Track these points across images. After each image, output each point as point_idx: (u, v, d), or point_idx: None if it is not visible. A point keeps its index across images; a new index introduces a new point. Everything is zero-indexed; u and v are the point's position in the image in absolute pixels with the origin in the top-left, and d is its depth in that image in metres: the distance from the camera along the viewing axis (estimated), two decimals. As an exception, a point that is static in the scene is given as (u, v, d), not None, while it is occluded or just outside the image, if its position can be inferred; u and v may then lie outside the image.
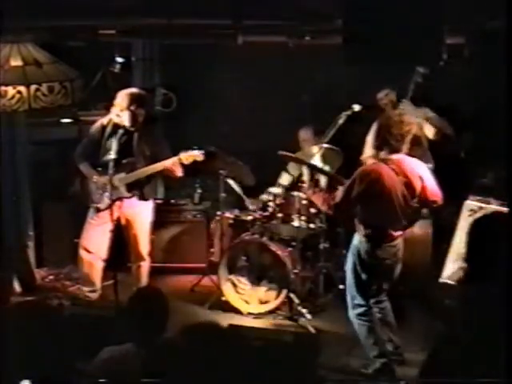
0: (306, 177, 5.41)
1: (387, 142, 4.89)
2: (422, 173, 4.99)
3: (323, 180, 6.07)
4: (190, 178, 7.18)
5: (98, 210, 6.05)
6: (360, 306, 5.12)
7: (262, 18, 5.68)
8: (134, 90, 6.09)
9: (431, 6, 4.70)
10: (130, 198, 6.07)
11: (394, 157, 4.92)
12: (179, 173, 6.02)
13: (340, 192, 4.96)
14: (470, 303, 3.68)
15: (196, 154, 5.93)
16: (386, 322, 5.24)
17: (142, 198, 6.11)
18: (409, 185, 4.90)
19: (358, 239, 5.04)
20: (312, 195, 5.28)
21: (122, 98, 5.93)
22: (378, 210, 4.91)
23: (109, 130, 5.96)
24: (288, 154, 5.81)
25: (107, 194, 5.86)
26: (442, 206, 5.16)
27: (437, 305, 5.71)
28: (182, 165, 5.98)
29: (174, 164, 5.93)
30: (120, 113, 5.93)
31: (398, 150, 4.90)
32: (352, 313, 5.18)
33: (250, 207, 6.56)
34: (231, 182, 6.60)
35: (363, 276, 5.04)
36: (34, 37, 5.40)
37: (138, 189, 6.07)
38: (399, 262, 5.12)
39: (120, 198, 6.02)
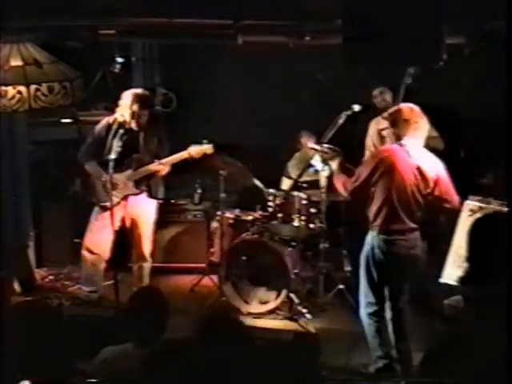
0: (334, 166, 5.40)
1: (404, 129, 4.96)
2: (437, 168, 4.99)
3: (323, 180, 6.08)
4: (190, 177, 7.20)
5: (104, 209, 6.02)
6: (372, 304, 5.06)
7: (262, 17, 5.67)
8: (138, 90, 6.11)
9: (431, 5, 4.69)
10: (139, 194, 6.09)
11: (411, 142, 4.96)
12: (164, 171, 6.08)
13: (355, 173, 5.01)
14: (470, 303, 3.68)
15: (206, 148, 5.98)
16: (400, 334, 5.11)
17: (150, 194, 6.15)
18: (421, 171, 4.90)
19: (370, 235, 5.02)
20: (334, 180, 5.29)
21: (125, 98, 5.98)
22: (387, 192, 4.89)
23: (114, 129, 5.98)
24: (317, 146, 5.76)
25: (115, 192, 5.89)
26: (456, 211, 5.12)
27: (437, 305, 5.71)
28: (183, 163, 6.02)
29: (166, 164, 6.00)
30: (124, 113, 5.96)
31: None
32: (363, 311, 5.12)
33: (270, 198, 6.48)
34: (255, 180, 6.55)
35: (376, 273, 4.98)
36: (34, 37, 5.40)
37: (146, 185, 6.10)
38: (416, 262, 5.02)
39: (126, 197, 6.04)
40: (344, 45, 4.90)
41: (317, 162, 5.97)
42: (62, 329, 3.18)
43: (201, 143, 6.03)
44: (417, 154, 4.94)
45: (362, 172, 4.97)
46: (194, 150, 6.00)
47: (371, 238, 5.01)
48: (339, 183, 5.15)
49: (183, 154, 6.02)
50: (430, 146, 5.65)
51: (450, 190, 4.98)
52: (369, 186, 4.96)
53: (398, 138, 5.00)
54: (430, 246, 6.18)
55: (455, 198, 5.01)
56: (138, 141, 6.06)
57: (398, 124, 4.99)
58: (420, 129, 4.96)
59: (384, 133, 6.67)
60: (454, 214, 5.22)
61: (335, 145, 6.14)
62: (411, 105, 5.09)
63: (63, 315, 3.61)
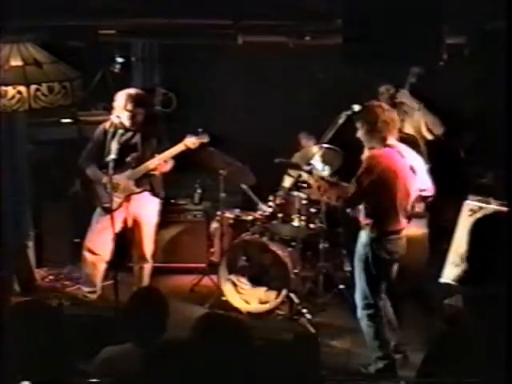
0: (311, 179, 5.41)
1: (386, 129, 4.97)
2: (418, 160, 5.12)
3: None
4: (190, 177, 7.19)
5: (107, 211, 6.00)
6: (371, 306, 5.08)
7: (262, 17, 5.67)
8: (130, 90, 6.13)
9: (431, 5, 4.69)
10: (141, 192, 6.08)
11: (395, 141, 5.01)
12: (166, 168, 6.08)
13: (353, 184, 4.97)
14: (470, 303, 3.68)
15: (202, 138, 5.97)
16: (387, 319, 5.21)
17: (153, 192, 6.14)
18: (413, 169, 4.98)
19: (365, 236, 5.02)
20: (323, 194, 5.27)
21: (119, 98, 6.00)
22: (390, 197, 4.91)
23: (111, 131, 5.98)
24: (283, 160, 5.83)
25: (117, 193, 5.89)
26: (439, 205, 5.18)
27: (437, 305, 5.71)
28: (183, 161, 6.02)
29: (175, 151, 6.00)
30: (119, 114, 5.97)
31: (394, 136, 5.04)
32: (362, 313, 5.14)
33: (264, 208, 6.49)
34: (244, 186, 6.60)
35: (375, 273, 5.01)
36: (34, 37, 5.40)
37: (148, 184, 6.10)
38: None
39: (128, 198, 6.02)
40: (344, 45, 4.90)
41: (317, 162, 5.97)
42: (62, 329, 3.19)
43: (196, 134, 6.03)
44: (405, 152, 5.02)
45: (361, 182, 4.92)
46: (190, 141, 5.99)
47: (369, 240, 5.00)
48: (332, 195, 5.13)
49: (180, 147, 6.01)
50: (428, 130, 5.70)
51: (427, 178, 5.09)
52: (368, 195, 4.95)
53: (383, 140, 4.98)
54: (430, 245, 6.20)
55: (431, 185, 5.11)
56: (136, 141, 6.07)
57: (378, 127, 4.95)
58: (397, 124, 5.02)
59: None
60: (431, 202, 5.32)
61: (335, 145, 6.16)
62: (378, 103, 5.14)
63: (63, 315, 3.61)
